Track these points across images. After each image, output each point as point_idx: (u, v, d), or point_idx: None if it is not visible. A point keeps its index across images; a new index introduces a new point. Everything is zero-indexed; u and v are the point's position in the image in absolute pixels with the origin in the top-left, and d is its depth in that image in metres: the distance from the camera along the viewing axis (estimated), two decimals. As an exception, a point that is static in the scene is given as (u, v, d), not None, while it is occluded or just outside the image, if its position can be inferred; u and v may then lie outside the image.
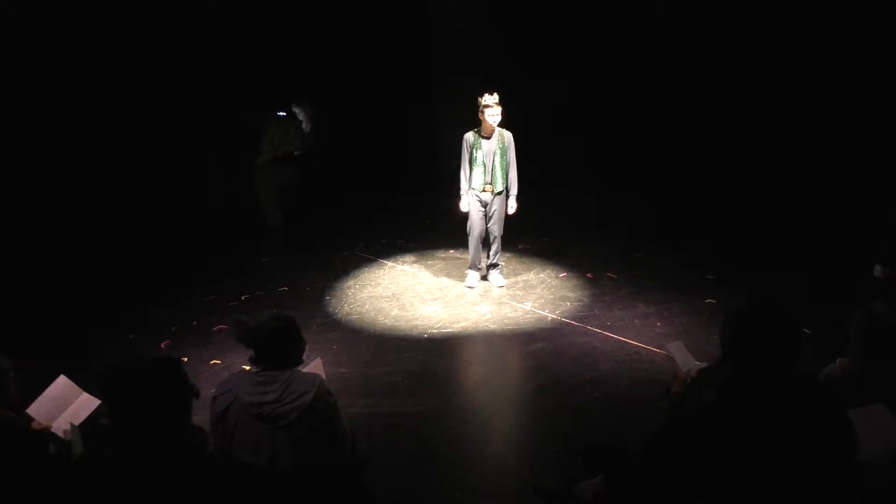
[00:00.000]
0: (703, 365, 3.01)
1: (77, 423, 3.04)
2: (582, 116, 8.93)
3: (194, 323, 5.56)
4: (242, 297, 6.04)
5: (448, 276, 6.42)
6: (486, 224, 5.91)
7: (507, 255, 6.75)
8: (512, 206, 5.86)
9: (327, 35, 9.09)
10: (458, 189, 5.85)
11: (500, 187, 5.74)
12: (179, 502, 1.84)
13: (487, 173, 5.69)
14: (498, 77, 8.09)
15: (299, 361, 2.72)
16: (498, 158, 5.66)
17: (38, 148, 6.93)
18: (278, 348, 2.64)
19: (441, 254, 7.05)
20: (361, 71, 9.30)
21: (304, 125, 8.37)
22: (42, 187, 6.89)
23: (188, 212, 7.89)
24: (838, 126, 7.14)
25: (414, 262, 6.86)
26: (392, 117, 9.43)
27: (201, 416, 2.45)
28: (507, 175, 5.73)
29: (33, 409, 3.11)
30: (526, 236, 7.21)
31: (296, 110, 8.35)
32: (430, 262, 6.84)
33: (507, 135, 5.70)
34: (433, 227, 7.68)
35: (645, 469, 2.12)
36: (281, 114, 8.10)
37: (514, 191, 5.82)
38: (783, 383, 1.94)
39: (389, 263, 6.88)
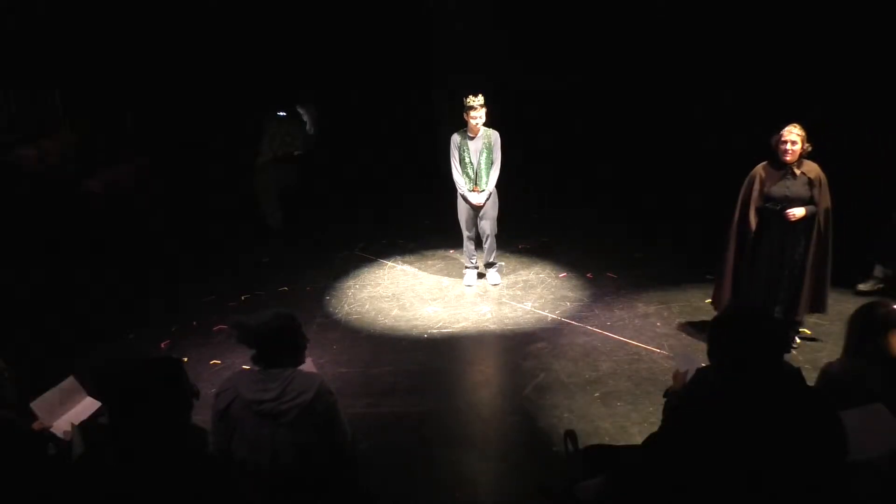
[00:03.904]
0: (702, 365, 3.00)
1: (77, 422, 3.04)
2: (581, 117, 8.93)
3: (194, 323, 5.56)
4: (242, 297, 6.05)
5: (448, 276, 6.42)
6: (478, 223, 5.90)
7: (507, 255, 6.76)
8: (484, 196, 5.78)
9: (327, 35, 9.09)
10: (457, 188, 5.81)
11: (484, 186, 5.75)
12: (179, 502, 1.84)
13: (473, 173, 5.69)
14: (498, 77, 8.11)
15: (302, 360, 2.72)
16: (484, 157, 5.65)
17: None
18: (280, 346, 2.63)
19: (441, 254, 7.05)
20: (362, 71, 9.30)
21: (307, 126, 8.35)
22: (43, 187, 6.88)
23: (188, 212, 7.88)
24: (840, 126, 7.12)
25: (414, 262, 6.87)
26: (392, 117, 9.43)
27: (201, 416, 2.45)
28: (490, 173, 5.71)
29: (36, 405, 3.10)
30: (526, 236, 7.22)
31: (300, 111, 8.34)
32: (430, 262, 6.84)
33: (494, 134, 5.68)
34: (433, 227, 7.68)
35: (645, 469, 2.12)
36: (281, 114, 8.09)
37: (490, 187, 5.75)
38: (770, 384, 1.97)
39: (389, 263, 6.88)
